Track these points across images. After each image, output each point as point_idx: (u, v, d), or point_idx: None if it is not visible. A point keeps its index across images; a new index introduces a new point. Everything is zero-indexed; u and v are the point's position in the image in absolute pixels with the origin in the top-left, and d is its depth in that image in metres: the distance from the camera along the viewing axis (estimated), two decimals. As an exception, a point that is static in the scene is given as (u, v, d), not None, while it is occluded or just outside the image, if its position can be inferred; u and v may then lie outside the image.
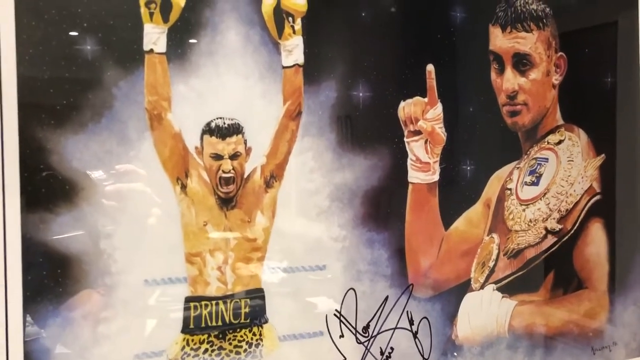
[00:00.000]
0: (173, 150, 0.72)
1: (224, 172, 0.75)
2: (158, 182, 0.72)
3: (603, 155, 1.03)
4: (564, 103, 0.99)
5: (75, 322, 0.68)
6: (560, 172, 0.99)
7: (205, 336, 0.75)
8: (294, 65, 0.78)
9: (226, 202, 0.76)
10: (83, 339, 0.68)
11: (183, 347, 0.73)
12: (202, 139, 0.74)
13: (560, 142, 0.99)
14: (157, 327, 0.72)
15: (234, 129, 0.75)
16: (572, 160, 1.00)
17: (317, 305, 0.81)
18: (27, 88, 0.65)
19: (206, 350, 0.75)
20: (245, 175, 0.77)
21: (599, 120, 1.04)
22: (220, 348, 0.75)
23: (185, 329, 0.74)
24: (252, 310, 0.77)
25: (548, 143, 0.98)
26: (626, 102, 1.06)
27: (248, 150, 0.76)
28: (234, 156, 0.75)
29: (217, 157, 0.75)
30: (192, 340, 0.74)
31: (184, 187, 0.73)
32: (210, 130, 0.74)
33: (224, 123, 0.75)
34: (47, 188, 0.67)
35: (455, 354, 0.90)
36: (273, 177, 0.78)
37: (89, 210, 0.69)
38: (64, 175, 0.67)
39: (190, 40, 0.73)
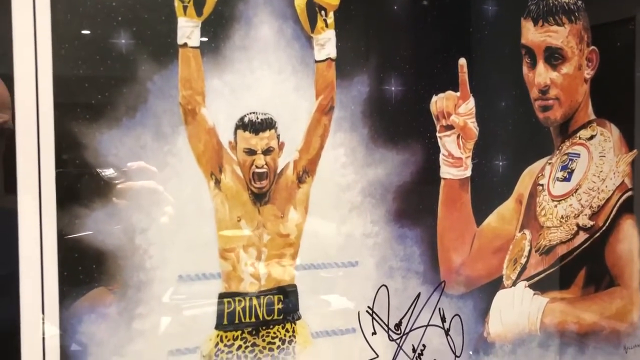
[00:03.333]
0: (207, 145, 0.72)
1: (257, 167, 0.74)
2: (192, 177, 0.71)
3: (635, 150, 1.01)
4: (596, 98, 0.98)
5: (110, 318, 0.68)
6: (592, 168, 0.97)
7: (239, 332, 0.74)
8: (326, 59, 0.78)
9: (259, 198, 0.75)
10: (118, 335, 0.68)
11: (217, 344, 0.73)
12: (235, 133, 0.73)
13: (592, 137, 0.97)
14: (191, 323, 0.72)
15: (267, 124, 0.75)
16: (604, 156, 0.98)
17: (350, 301, 0.81)
18: (62, 83, 0.65)
19: (240, 346, 0.74)
20: (278, 171, 0.76)
21: (632, 115, 1.02)
22: (254, 344, 0.75)
23: (219, 325, 0.73)
24: (285, 307, 0.76)
25: (580, 138, 0.97)
26: (659, 96, 1.04)
27: (281, 145, 0.76)
28: (267, 151, 0.75)
29: (251, 152, 0.74)
30: (226, 337, 0.73)
31: (217, 182, 0.73)
32: (243, 125, 0.73)
33: (257, 118, 0.74)
34: (82, 183, 0.66)
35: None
36: (306, 173, 0.77)
37: (124, 205, 0.68)
38: (100, 170, 0.67)
39: (224, 35, 0.73)
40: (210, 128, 0.72)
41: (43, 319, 0.64)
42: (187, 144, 0.71)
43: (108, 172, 0.67)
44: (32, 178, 0.64)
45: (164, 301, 0.71)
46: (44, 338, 0.64)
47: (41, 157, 0.64)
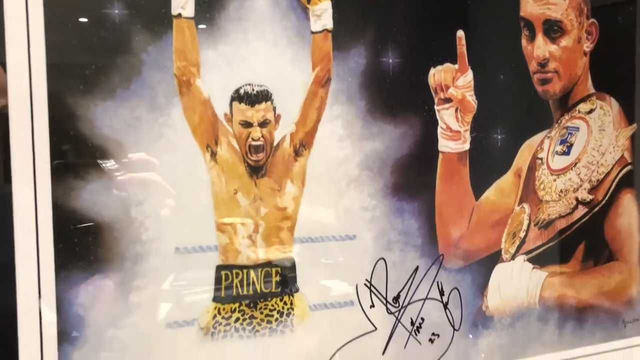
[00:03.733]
0: (202, 117, 0.71)
1: (253, 139, 0.74)
2: (188, 149, 0.71)
3: (635, 124, 1.01)
4: (596, 71, 0.97)
5: (107, 291, 0.68)
6: (591, 142, 0.97)
7: (237, 305, 0.74)
8: (322, 31, 0.77)
9: (256, 171, 0.75)
10: (115, 307, 0.68)
11: (214, 316, 0.73)
12: (231, 105, 0.73)
13: (591, 111, 0.97)
14: (188, 295, 0.72)
15: (263, 96, 0.74)
16: (604, 130, 0.98)
17: (348, 274, 0.80)
18: (55, 52, 0.64)
19: (237, 319, 0.74)
20: (274, 144, 0.75)
21: (631, 88, 1.02)
22: (252, 317, 0.75)
23: (217, 298, 0.73)
24: (283, 279, 0.76)
25: (579, 112, 0.96)
26: (659, 70, 1.03)
27: (277, 118, 0.75)
28: (263, 124, 0.74)
29: (247, 124, 0.73)
30: (224, 309, 0.73)
31: (213, 154, 0.72)
32: (239, 96, 0.73)
33: (253, 90, 0.73)
34: (77, 154, 0.66)
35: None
36: (302, 146, 0.77)
37: (120, 177, 0.68)
38: (94, 142, 0.66)
39: (219, 5, 0.72)
40: (205, 99, 0.71)
41: (39, 291, 0.64)
42: (182, 115, 0.70)
43: (103, 144, 0.67)
44: (25, 149, 0.63)
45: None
46: (40, 310, 0.64)
47: (35, 127, 0.64)
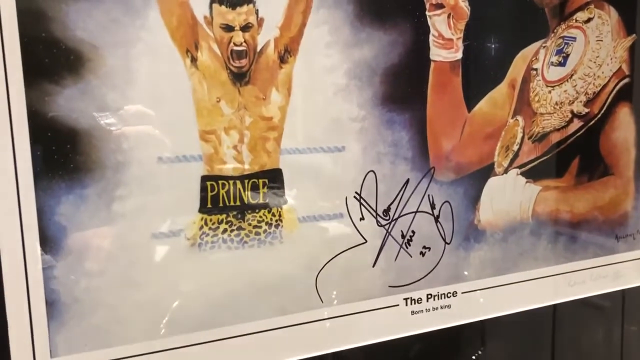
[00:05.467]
0: (181, 19, 0.68)
1: (235, 44, 0.71)
2: (167, 54, 0.68)
3: (634, 35, 0.97)
4: (595, -23, 0.93)
5: (89, 200, 0.66)
6: (588, 53, 0.94)
7: (224, 216, 0.73)
8: None
9: (239, 78, 0.72)
10: (98, 217, 0.67)
11: (201, 227, 0.72)
12: (211, 7, 0.69)
13: (589, 20, 0.93)
14: (173, 206, 0.70)
15: (245, -2, 0.70)
16: (601, 40, 0.95)
17: (337, 187, 0.79)
18: (21, -52, 0.61)
19: (225, 230, 0.73)
20: (258, 49, 0.72)
21: (632, -3, 0.98)
22: (240, 228, 0.74)
23: (203, 209, 0.72)
24: (271, 191, 0.75)
25: (576, 21, 0.93)
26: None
27: (260, 22, 0.72)
28: (245, 27, 0.71)
29: (228, 28, 0.70)
30: (211, 220, 0.72)
31: (194, 59, 0.69)
32: (219, -2, 0.69)
33: (234, -9, 0.70)
34: (50, 58, 0.63)
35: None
36: (287, 52, 0.74)
37: (97, 83, 0.65)
38: (68, 45, 0.63)
39: None
40: (183, 1, 0.68)
41: (19, 200, 0.63)
42: (159, 18, 0.67)
43: (78, 47, 0.64)
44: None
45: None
46: (20, 217, 0.63)
47: (3, 29, 0.60)
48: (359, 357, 0.90)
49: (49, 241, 0.64)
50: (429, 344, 0.96)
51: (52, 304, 0.65)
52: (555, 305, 1.07)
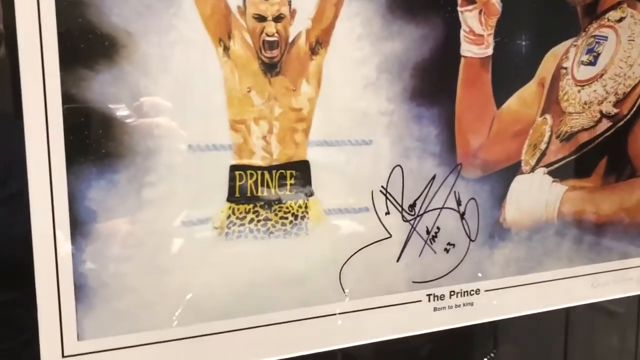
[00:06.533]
0: (214, 8, 0.68)
1: (267, 35, 0.71)
2: (200, 42, 0.68)
3: (667, 35, 0.96)
4: (629, -24, 0.92)
5: (119, 185, 0.66)
6: (620, 53, 0.93)
7: (251, 206, 0.73)
8: None
9: (270, 68, 0.72)
10: (128, 203, 0.67)
11: (229, 216, 0.72)
12: (244, -3, 0.70)
13: (621, 19, 0.92)
14: (202, 194, 0.70)
15: (278, -12, 0.70)
16: (633, 40, 0.93)
17: (363, 180, 0.79)
18: None
19: (252, 220, 0.73)
20: (289, 40, 0.72)
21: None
22: (266, 219, 0.74)
23: (231, 198, 0.72)
24: (298, 182, 0.75)
25: (608, 20, 0.92)
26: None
27: (293, 13, 0.72)
28: (277, 18, 0.71)
29: (260, 18, 0.70)
30: (238, 209, 0.72)
31: (226, 49, 0.69)
32: (253, -12, 0.69)
33: (268, -19, 0.70)
34: (85, 43, 0.63)
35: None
36: (319, 44, 0.74)
37: (130, 69, 0.65)
38: (103, 31, 0.64)
39: None
40: (217, -11, 0.68)
41: (51, 183, 0.63)
42: (193, 6, 0.67)
43: (112, 33, 0.64)
44: (33, 40, 0.61)
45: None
46: (52, 206, 0.64)
47: (42, 14, 0.61)
48: (370, 355, 0.90)
49: (79, 225, 0.65)
50: (440, 345, 0.96)
51: (80, 288, 0.65)
52: (567, 311, 1.06)
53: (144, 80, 0.66)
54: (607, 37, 0.91)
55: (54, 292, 0.64)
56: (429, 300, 0.85)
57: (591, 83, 0.91)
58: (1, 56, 0.66)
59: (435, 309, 0.85)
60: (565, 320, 1.09)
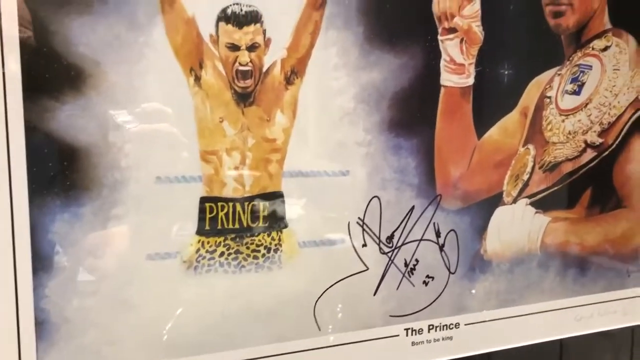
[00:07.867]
0: (186, 37, 0.66)
1: (240, 64, 0.69)
2: (171, 72, 0.66)
3: (653, 65, 0.95)
4: (613, 5, 0.90)
5: (84, 219, 0.65)
6: (605, 82, 0.91)
7: (222, 239, 0.71)
8: (318, -52, 0.71)
9: (243, 98, 0.70)
10: (93, 236, 0.65)
11: (198, 249, 0.70)
12: (217, 26, 0.68)
13: (606, 48, 0.91)
14: (170, 227, 0.69)
15: (252, 17, 0.69)
16: (618, 69, 0.92)
17: (339, 212, 0.77)
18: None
19: (222, 253, 0.71)
20: (264, 70, 0.71)
21: (651, 26, 0.95)
22: (237, 252, 0.72)
23: (201, 231, 0.70)
24: (271, 214, 0.73)
25: (593, 49, 0.90)
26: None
27: (267, 42, 0.70)
28: (251, 47, 0.69)
29: (234, 47, 0.69)
30: (208, 243, 0.70)
31: (197, 78, 0.68)
32: (226, 17, 0.68)
33: (241, 10, 0.68)
34: (50, 73, 0.62)
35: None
36: (294, 73, 0.72)
37: (98, 100, 0.64)
38: (69, 60, 0.62)
39: None
40: (189, 18, 0.66)
41: (12, 216, 0.61)
42: (164, 35, 0.66)
43: (79, 62, 0.62)
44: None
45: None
46: (13, 239, 0.62)
47: (4, 41, 0.59)
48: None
49: (41, 259, 0.63)
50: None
51: (41, 324, 0.63)
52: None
53: (112, 111, 0.64)
54: (591, 66, 0.90)
55: (13, 329, 0.62)
56: (407, 335, 0.83)
57: (575, 112, 0.90)
58: (-36, 85, 0.64)
59: (413, 343, 0.83)
60: (560, 340, 1.07)
